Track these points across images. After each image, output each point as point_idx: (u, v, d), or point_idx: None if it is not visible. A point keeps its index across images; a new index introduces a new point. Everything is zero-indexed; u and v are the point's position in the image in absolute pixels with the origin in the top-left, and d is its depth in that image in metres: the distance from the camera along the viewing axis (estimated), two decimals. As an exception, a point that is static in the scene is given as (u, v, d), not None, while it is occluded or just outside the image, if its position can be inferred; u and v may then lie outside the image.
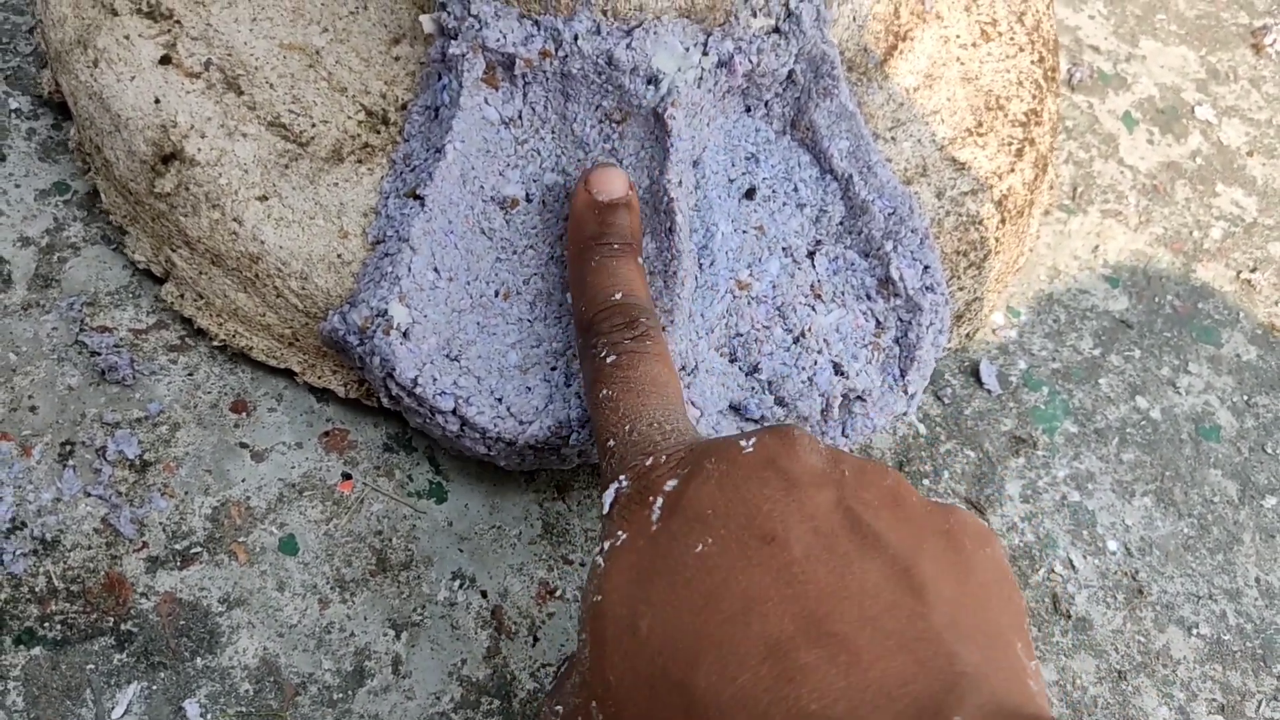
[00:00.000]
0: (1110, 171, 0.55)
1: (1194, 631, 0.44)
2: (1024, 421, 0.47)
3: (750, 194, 0.40)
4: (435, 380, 0.35)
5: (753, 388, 0.38)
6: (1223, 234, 0.54)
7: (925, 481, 0.45)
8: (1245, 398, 0.49)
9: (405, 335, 0.35)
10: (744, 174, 0.40)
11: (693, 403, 0.37)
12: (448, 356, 0.36)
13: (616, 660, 0.22)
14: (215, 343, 0.41)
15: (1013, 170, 0.44)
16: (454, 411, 0.35)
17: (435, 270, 0.36)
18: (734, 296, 0.39)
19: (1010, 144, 0.44)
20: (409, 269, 0.36)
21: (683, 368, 0.37)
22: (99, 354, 0.41)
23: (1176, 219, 0.54)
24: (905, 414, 0.40)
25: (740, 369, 0.38)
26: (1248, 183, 0.56)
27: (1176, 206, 0.54)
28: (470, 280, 0.37)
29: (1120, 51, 0.59)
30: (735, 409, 0.37)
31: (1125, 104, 0.57)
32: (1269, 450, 0.48)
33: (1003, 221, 0.43)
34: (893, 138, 0.43)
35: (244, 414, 0.41)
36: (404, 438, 0.42)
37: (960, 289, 0.43)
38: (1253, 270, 0.53)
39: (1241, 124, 0.58)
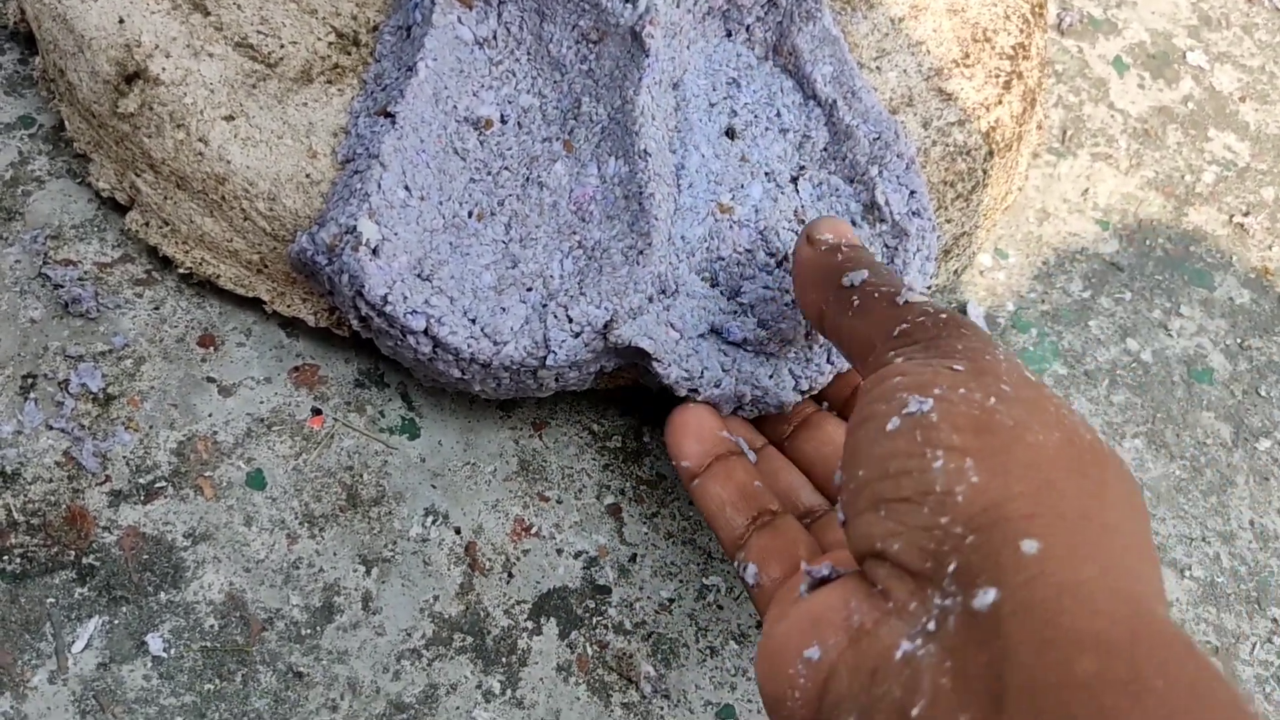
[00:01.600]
0: (1100, 115, 0.54)
1: (1187, 574, 0.43)
2: (1013, 363, 0.46)
3: (730, 132, 0.39)
4: (406, 299, 0.34)
5: (734, 311, 0.36)
6: (1215, 178, 0.53)
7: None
8: (1239, 340, 0.48)
9: (375, 252, 0.34)
10: (725, 99, 0.39)
11: (672, 325, 0.36)
12: (419, 276, 0.34)
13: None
14: (181, 270, 0.40)
15: (1000, 102, 0.43)
16: (425, 331, 0.34)
17: (406, 188, 0.35)
18: (715, 220, 0.37)
19: (998, 76, 0.43)
20: (379, 185, 0.34)
21: (663, 291, 0.36)
22: (62, 287, 0.40)
23: (1168, 163, 0.53)
24: (891, 343, 0.39)
25: (722, 293, 0.37)
26: (1240, 128, 0.55)
27: (1168, 150, 0.53)
28: (443, 200, 0.36)
29: (1110, -2, 0.58)
30: (716, 332, 0.36)
31: (1116, 49, 0.56)
32: (1263, 393, 0.47)
33: (990, 154, 0.42)
34: (878, 67, 0.42)
35: (212, 348, 0.40)
36: (376, 373, 0.41)
37: (948, 221, 0.42)
38: (1245, 214, 0.52)
39: (1234, 70, 0.57)
